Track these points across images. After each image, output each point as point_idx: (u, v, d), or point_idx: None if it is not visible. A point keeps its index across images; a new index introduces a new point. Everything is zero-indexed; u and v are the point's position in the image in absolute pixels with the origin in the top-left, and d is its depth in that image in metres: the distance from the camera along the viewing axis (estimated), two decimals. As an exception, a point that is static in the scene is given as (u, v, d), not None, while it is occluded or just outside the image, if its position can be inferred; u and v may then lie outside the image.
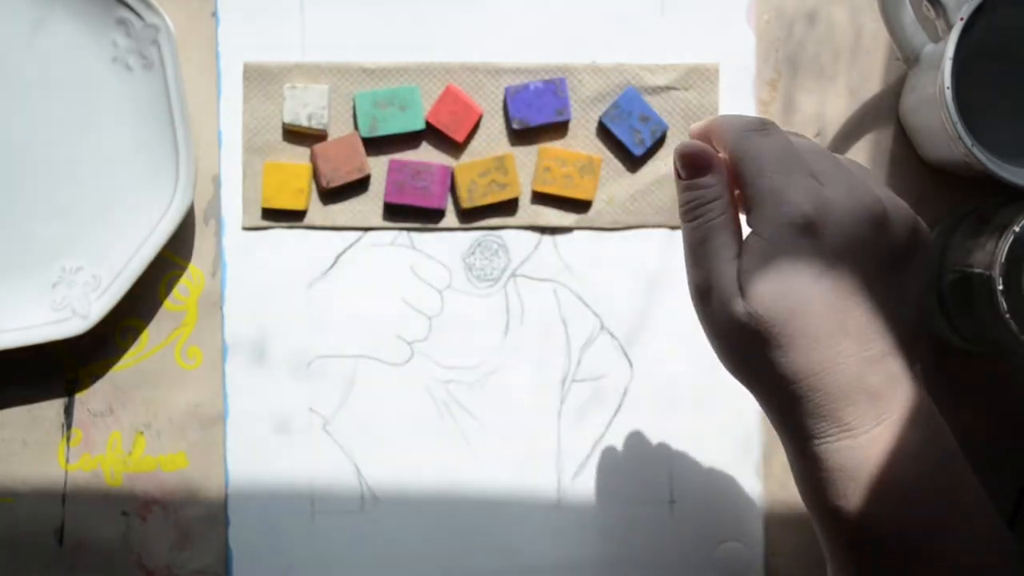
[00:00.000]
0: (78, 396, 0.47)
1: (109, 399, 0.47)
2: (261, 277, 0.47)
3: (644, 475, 0.47)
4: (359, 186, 0.47)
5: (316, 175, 0.47)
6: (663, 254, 0.48)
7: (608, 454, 0.48)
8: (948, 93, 0.40)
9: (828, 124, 0.48)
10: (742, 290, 0.32)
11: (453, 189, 0.47)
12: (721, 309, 0.33)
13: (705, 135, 0.36)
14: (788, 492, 0.47)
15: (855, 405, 0.31)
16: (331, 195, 0.47)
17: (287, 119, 0.47)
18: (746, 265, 0.32)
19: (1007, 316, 0.40)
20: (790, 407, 0.32)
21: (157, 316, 0.47)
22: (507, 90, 0.47)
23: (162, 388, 0.47)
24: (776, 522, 0.47)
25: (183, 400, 0.47)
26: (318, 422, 0.47)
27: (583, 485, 0.47)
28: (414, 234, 0.48)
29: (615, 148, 0.48)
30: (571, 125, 0.48)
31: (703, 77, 0.47)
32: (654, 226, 0.48)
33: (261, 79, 0.47)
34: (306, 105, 0.47)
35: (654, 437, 0.48)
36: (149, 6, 0.45)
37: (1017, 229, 0.40)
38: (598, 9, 0.48)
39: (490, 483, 0.47)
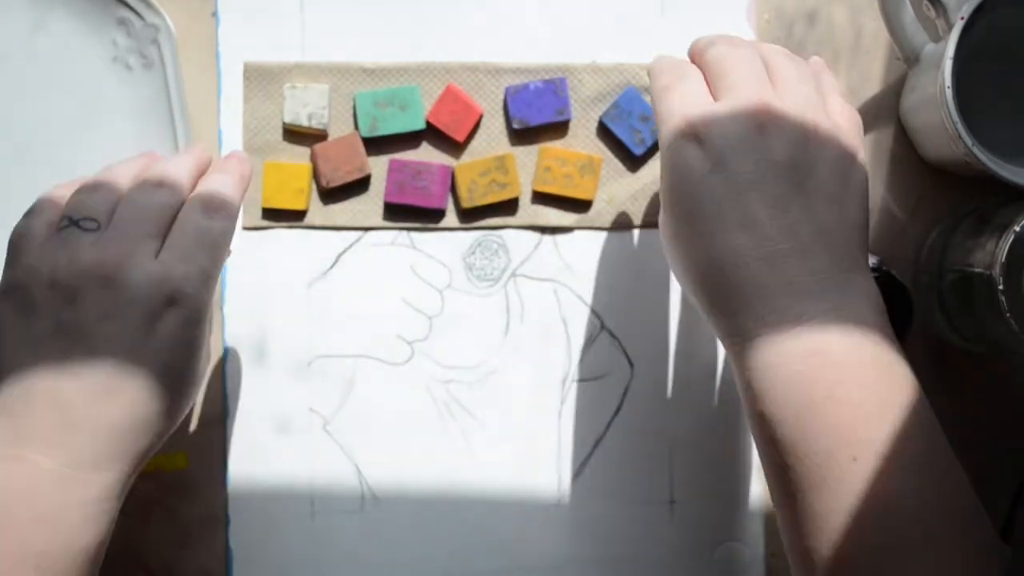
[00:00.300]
0: (78, 396, 0.47)
1: (109, 399, 0.47)
2: (261, 277, 0.47)
3: (644, 475, 0.47)
4: (359, 186, 0.47)
5: (316, 175, 0.47)
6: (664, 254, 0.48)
7: (608, 454, 0.47)
8: (948, 93, 0.40)
9: (828, 124, 0.48)
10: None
11: (453, 189, 0.47)
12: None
13: None
14: (788, 492, 0.47)
15: (770, 298, 0.32)
16: (331, 195, 0.47)
17: (287, 119, 0.47)
18: (660, 172, 0.36)
19: (1008, 315, 0.40)
20: (713, 304, 0.34)
21: (157, 316, 0.47)
22: (507, 90, 0.47)
23: (162, 388, 0.47)
24: (776, 522, 0.47)
25: (183, 400, 0.47)
26: (318, 422, 0.47)
27: (583, 485, 0.47)
28: (414, 234, 0.48)
29: (615, 148, 0.48)
30: (571, 125, 0.48)
31: (703, 77, 0.47)
32: (655, 226, 0.48)
33: (261, 79, 0.47)
34: (306, 105, 0.47)
35: (654, 437, 0.48)
36: (149, 6, 0.45)
37: (1018, 229, 0.40)
38: (598, 9, 0.48)
39: (490, 483, 0.47)
